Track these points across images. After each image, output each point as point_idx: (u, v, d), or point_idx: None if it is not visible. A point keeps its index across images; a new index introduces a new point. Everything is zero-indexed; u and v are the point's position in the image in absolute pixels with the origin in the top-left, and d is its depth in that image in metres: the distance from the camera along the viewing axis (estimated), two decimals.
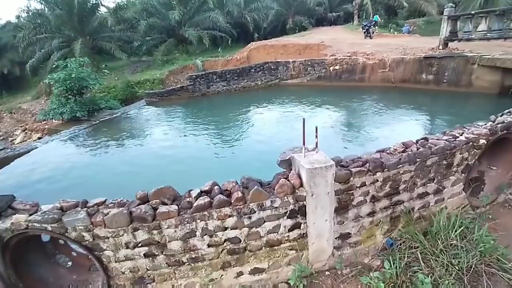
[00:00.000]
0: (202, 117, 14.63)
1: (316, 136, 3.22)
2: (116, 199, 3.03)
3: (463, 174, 3.80)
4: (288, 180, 3.13)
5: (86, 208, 2.86)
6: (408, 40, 19.79)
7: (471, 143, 3.64)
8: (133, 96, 20.69)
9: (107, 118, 15.83)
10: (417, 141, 3.75)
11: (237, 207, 2.92)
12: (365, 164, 3.33)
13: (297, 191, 3.07)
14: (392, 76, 15.79)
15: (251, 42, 25.97)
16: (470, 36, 14.19)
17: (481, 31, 13.81)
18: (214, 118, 14.32)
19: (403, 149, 3.54)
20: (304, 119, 3.13)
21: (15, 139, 19.81)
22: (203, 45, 26.30)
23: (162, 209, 2.84)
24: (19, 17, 29.92)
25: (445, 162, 3.59)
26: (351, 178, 3.18)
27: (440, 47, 15.28)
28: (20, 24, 25.86)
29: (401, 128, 11.13)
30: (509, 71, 12.73)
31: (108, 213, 2.82)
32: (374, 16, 24.49)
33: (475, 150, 3.72)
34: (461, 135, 3.79)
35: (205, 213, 2.88)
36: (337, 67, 16.92)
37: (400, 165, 3.34)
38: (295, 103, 15.64)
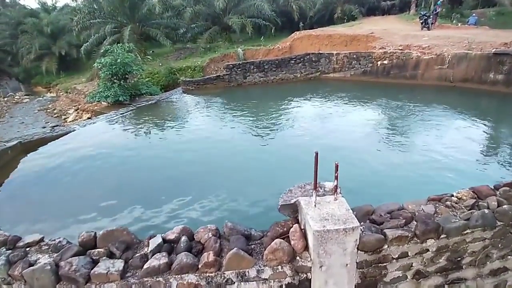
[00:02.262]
0: (234, 110, 13.75)
1: (336, 177, 2.09)
2: (55, 239, 2.21)
3: None
4: (287, 240, 2.07)
5: (10, 252, 2.08)
6: (474, 32, 16.80)
7: None
8: (175, 83, 20.43)
9: (143, 104, 15.68)
10: (496, 188, 2.42)
11: (207, 274, 1.93)
12: (409, 222, 2.14)
13: (298, 258, 2.00)
14: (451, 74, 13.43)
15: (295, 32, 24.29)
16: None
17: None
18: (246, 111, 13.36)
19: (473, 201, 2.26)
20: (317, 153, 2.02)
21: (68, 117, 20.74)
22: (246, 33, 25.22)
23: (100, 268, 1.95)
24: (76, 0, 31.28)
25: None
26: (385, 246, 2.02)
27: None
28: (77, 8, 26.82)
29: (459, 143, 9.13)
30: None
31: (35, 262, 2.01)
32: (438, 1, 21.26)
33: None
34: None
35: (160, 279, 1.94)
36: (385, 62, 14.87)
37: (469, 230, 2.09)
38: (334, 99, 14.05)
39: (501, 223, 2.08)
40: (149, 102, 16.36)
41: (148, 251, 2.04)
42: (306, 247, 2.02)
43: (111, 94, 15.86)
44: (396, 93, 13.92)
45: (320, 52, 17.37)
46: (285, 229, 2.19)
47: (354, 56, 15.78)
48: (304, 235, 2.04)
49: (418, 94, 13.80)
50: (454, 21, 21.92)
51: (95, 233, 2.17)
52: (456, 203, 2.26)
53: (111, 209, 6.51)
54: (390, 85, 14.86)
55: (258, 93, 16.27)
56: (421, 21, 19.96)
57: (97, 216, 6.32)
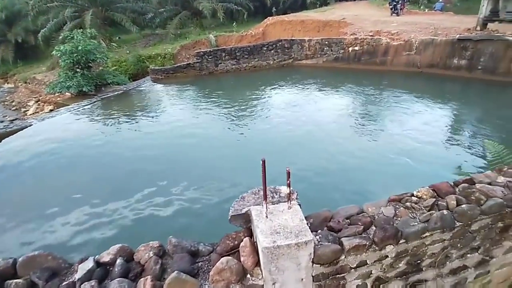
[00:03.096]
0: (206, 99, 13.29)
1: (289, 185, 1.89)
2: None
3: None
4: (237, 255, 1.86)
5: None
6: (440, 18, 17.15)
7: None
8: (144, 71, 19.45)
9: (110, 94, 14.82)
10: (456, 185, 2.33)
11: None
12: (368, 227, 1.99)
13: (249, 275, 1.80)
14: (419, 59, 13.65)
15: (268, 17, 23.74)
16: None
17: None
18: (219, 101, 12.95)
19: (433, 200, 2.15)
20: (263, 161, 1.79)
21: (28, 110, 19.29)
22: (218, 18, 24.34)
23: None
24: None
25: (501, 225, 2.19)
26: (342, 257, 1.86)
27: (478, 28, 12.89)
28: None
29: (422, 127, 9.36)
30: None
31: None
32: None
33: None
34: None
35: None
36: (356, 48, 14.85)
37: (428, 233, 1.98)
38: (307, 86, 13.94)
39: (460, 223, 1.98)
40: (116, 93, 15.52)
41: (76, 279, 1.76)
42: (258, 263, 1.82)
43: (73, 84, 14.86)
44: (367, 79, 14.03)
45: (293, 38, 17.07)
46: (236, 242, 1.98)
47: (326, 42, 15.64)
48: (256, 250, 1.84)
49: (387, 80, 13.97)
50: (421, 7, 22.28)
51: (15, 259, 1.85)
52: (416, 203, 2.14)
53: (68, 213, 6.09)
54: (361, 71, 14.93)
55: (230, 82, 15.82)
56: (390, 7, 20.09)
57: (49, 220, 5.90)
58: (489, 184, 2.28)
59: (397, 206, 2.17)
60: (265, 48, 16.52)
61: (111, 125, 11.28)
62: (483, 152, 8.01)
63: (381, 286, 2.09)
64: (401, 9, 19.61)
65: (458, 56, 12.81)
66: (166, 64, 18.93)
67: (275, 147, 8.80)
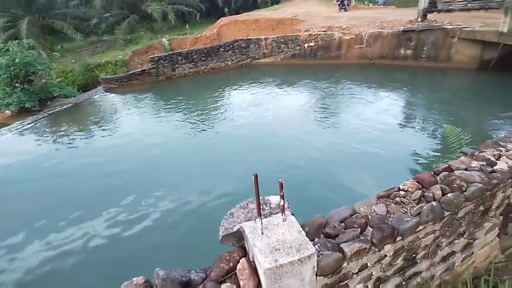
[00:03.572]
0: (166, 106, 12.74)
1: (282, 196, 1.77)
2: None
3: (501, 217, 2.52)
4: (236, 278, 1.71)
5: None
6: (384, 12, 18.22)
7: None
8: (95, 81, 18.16)
9: (58, 109, 13.63)
10: (436, 174, 2.38)
11: None
12: (364, 228, 1.94)
13: None
14: (370, 52, 14.35)
15: (221, 18, 23.49)
16: (450, 7, 12.83)
17: (461, 1, 12.45)
18: (179, 106, 12.48)
19: (420, 192, 2.17)
20: (256, 176, 1.66)
21: None
22: (169, 21, 23.56)
23: None
24: None
25: (482, 208, 2.28)
26: (345, 264, 1.79)
27: (419, 19, 13.87)
28: None
29: (379, 115, 9.91)
30: (489, 45, 11.61)
31: None
32: None
33: None
34: (498, 158, 2.47)
35: None
36: (311, 44, 15.23)
37: (421, 227, 1.98)
38: (268, 85, 14.01)
39: (448, 212, 2.01)
40: (66, 106, 14.33)
41: None
42: (259, 285, 1.68)
43: (13, 101, 13.44)
44: (324, 73, 14.47)
45: (249, 38, 17.03)
46: (231, 264, 1.82)
47: (282, 40, 15.83)
48: (255, 270, 1.70)
49: (343, 73, 14.53)
50: (366, 2, 23.52)
51: None
52: (404, 197, 2.14)
53: (22, 247, 5.44)
54: (318, 66, 15.35)
55: (190, 86, 15.37)
56: (338, 3, 20.93)
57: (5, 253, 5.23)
58: (466, 170, 2.37)
59: (387, 203, 2.15)
60: (222, 49, 16.29)
61: (62, 143, 10.34)
62: (433, 133, 8.67)
63: (380, 285, 2.06)
64: (348, 4, 20.50)
65: (404, 47, 13.69)
66: (119, 71, 17.86)
67: (242, 148, 8.70)
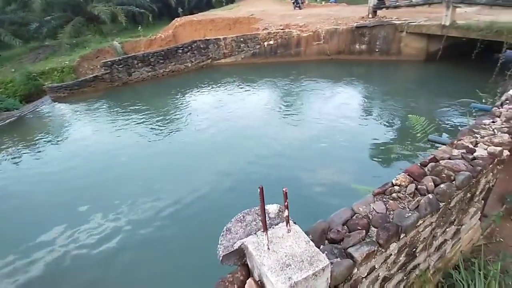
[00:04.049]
0: (124, 113, 11.98)
1: (286, 207, 1.64)
2: None
3: (483, 201, 2.64)
4: None
5: None
6: (337, 9, 18.91)
7: (496, 159, 2.43)
8: (39, 90, 16.53)
9: None
10: (423, 165, 2.42)
11: None
12: (368, 229, 1.89)
13: None
14: (327, 48, 14.80)
15: (176, 18, 22.73)
16: (397, 3, 13.66)
17: None
18: (138, 113, 11.81)
19: (413, 186, 2.17)
20: (261, 188, 1.51)
21: None
22: (120, 23, 22.24)
23: None
24: None
25: (469, 195, 2.36)
26: (355, 270, 1.71)
27: (370, 15, 14.58)
28: None
29: (340, 109, 10.30)
30: (433, 38, 12.56)
31: None
32: None
33: (497, 167, 2.55)
34: (476, 145, 2.57)
35: None
36: (271, 42, 15.30)
37: (421, 221, 1.98)
38: (230, 85, 13.83)
39: (443, 203, 2.03)
40: (8, 120, 12.89)
41: None
42: None
43: None
44: (285, 71, 14.63)
45: (207, 38, 16.66)
46: (236, 286, 1.64)
47: (242, 39, 15.70)
48: None
49: (303, 69, 14.83)
50: (318, 0, 24.25)
51: None
52: (399, 192, 2.13)
53: None
54: (279, 63, 15.49)
55: (148, 90, 14.63)
56: (292, 1, 21.30)
57: None
58: (449, 159, 2.44)
59: (385, 200, 2.12)
60: (180, 51, 15.73)
61: (8, 161, 9.25)
62: (391, 122, 9.19)
63: (385, 285, 2.02)
64: (302, 2, 20.96)
65: (359, 42, 14.32)
66: (66, 79, 16.43)
67: (208, 151, 8.47)
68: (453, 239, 2.49)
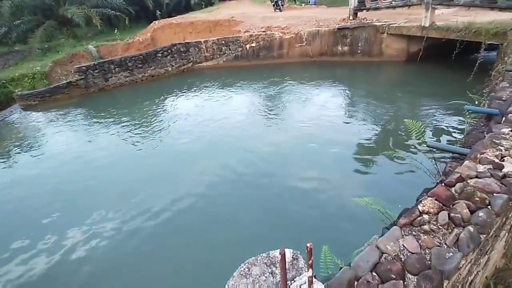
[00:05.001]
0: (101, 121, 11.20)
1: (311, 266, 1.22)
2: None
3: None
4: None
5: None
6: (317, 11, 18.80)
7: None
8: (8, 98, 15.34)
9: None
10: (449, 186, 2.07)
11: None
12: (403, 277, 1.50)
13: None
14: (310, 50, 14.58)
15: (154, 21, 21.93)
16: (377, 5, 13.62)
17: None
18: (117, 120, 11.08)
19: (445, 213, 1.81)
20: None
21: None
22: (95, 26, 21.18)
23: None
24: None
25: (504, 219, 2.03)
26: None
27: (351, 17, 14.49)
28: None
29: (325, 111, 10.07)
30: (413, 39, 12.57)
31: None
32: None
33: None
34: (502, 159, 2.26)
35: None
36: (253, 45, 14.91)
37: (463, 261, 1.61)
38: (212, 89, 13.31)
39: (483, 235, 1.67)
40: None
41: None
42: None
43: None
44: (268, 73, 14.27)
45: (187, 41, 16.04)
46: None
47: (223, 42, 15.22)
48: None
49: (287, 71, 14.55)
50: (297, 2, 24.14)
51: None
52: (429, 222, 1.77)
53: None
54: (262, 66, 15.12)
55: (127, 96, 13.86)
56: (272, 3, 21.05)
57: None
58: (477, 177, 2.11)
59: (414, 233, 1.75)
60: (160, 55, 15.03)
61: None
62: (378, 123, 9.00)
63: None
64: (282, 5, 20.73)
65: (341, 44, 14.18)
66: (38, 85, 15.33)
67: (190, 157, 7.97)
68: (483, 270, 2.17)
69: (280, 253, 1.09)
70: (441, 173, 4.52)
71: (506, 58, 7.22)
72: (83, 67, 13.63)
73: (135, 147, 8.87)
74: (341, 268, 2.91)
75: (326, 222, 5.14)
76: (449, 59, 11.01)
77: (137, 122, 10.67)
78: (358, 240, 3.65)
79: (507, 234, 2.36)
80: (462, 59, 11.49)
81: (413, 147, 6.68)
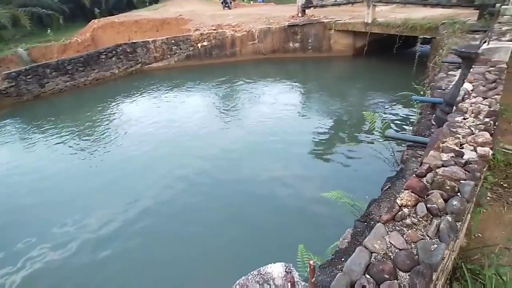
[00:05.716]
0: (37, 133, 10.02)
1: (314, 284, 1.13)
2: None
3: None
4: None
5: None
6: (266, 9, 18.97)
7: (487, 161, 2.29)
8: None
9: None
10: (420, 176, 2.14)
11: None
12: (396, 275, 1.50)
13: None
14: (262, 47, 14.66)
15: (93, 20, 20.25)
16: (323, 2, 14.15)
17: None
18: (57, 128, 10.02)
19: (423, 206, 1.86)
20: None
21: None
22: (23, 27, 18.95)
23: None
24: None
25: (472, 204, 2.16)
26: None
27: (299, 14, 14.86)
28: None
29: (280, 107, 10.23)
30: (359, 34, 13.33)
31: None
32: None
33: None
34: (461, 147, 2.42)
35: None
36: (205, 43, 14.55)
37: (447, 251, 1.66)
38: (164, 91, 12.73)
39: (459, 223, 1.75)
40: None
41: None
42: None
43: None
44: (222, 72, 14.06)
45: (133, 41, 15.09)
46: None
47: (173, 41, 14.60)
48: None
49: (240, 69, 14.49)
50: (246, 0, 24.12)
51: None
52: (409, 215, 1.80)
53: None
54: (215, 65, 14.85)
55: (69, 103, 12.62)
56: (221, 1, 20.75)
57: None
58: (443, 166, 2.22)
59: (398, 228, 1.77)
60: (103, 56, 13.92)
61: None
62: (330, 117, 9.37)
63: None
64: (230, 2, 20.55)
65: (292, 40, 14.50)
66: None
67: (144, 164, 7.54)
68: (454, 253, 2.30)
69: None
70: (399, 162, 4.81)
71: (440, 50, 7.92)
72: (13, 73, 12.05)
73: (80, 158, 8.13)
74: (320, 266, 2.91)
75: (296, 221, 5.16)
76: (392, 53, 11.88)
77: (82, 131, 9.77)
78: (332, 234, 3.73)
79: (469, 215, 2.54)
80: (403, 53, 12.46)
81: (370, 138, 7.05)
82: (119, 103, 12.06)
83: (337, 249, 3.07)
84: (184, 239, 5.05)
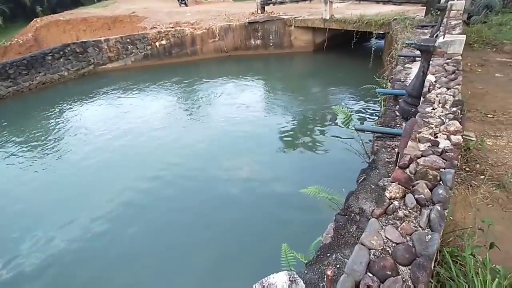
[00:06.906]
0: None
1: None
2: None
3: None
4: None
5: None
6: (224, 6, 18.70)
7: (461, 148, 2.40)
8: None
9: None
10: (403, 167, 2.19)
11: None
12: (397, 271, 1.49)
13: None
14: (224, 45, 14.44)
15: (36, 19, 18.51)
16: None
17: None
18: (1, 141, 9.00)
19: (412, 197, 1.89)
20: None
21: None
22: None
23: None
24: None
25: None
26: None
27: (259, 11, 14.86)
28: None
29: (245, 104, 10.18)
30: (318, 30, 13.67)
31: None
32: None
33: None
34: (435, 136, 2.52)
35: None
36: (163, 42, 13.96)
37: (440, 239, 1.70)
38: (120, 94, 11.99)
39: (446, 211, 1.80)
40: None
41: None
42: None
43: None
44: (183, 71, 13.63)
45: (83, 40, 14.00)
46: None
47: (128, 40, 13.79)
48: None
49: (202, 68, 14.15)
50: None
51: None
52: (399, 208, 1.82)
53: None
54: (176, 64, 14.33)
55: (12, 110, 11.36)
56: None
57: None
58: (423, 156, 2.29)
59: (391, 222, 1.78)
60: (49, 57, 12.73)
61: None
62: (293, 112, 9.50)
63: None
64: None
65: (253, 37, 14.46)
66: None
67: (103, 173, 7.07)
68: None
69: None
70: (369, 153, 4.98)
71: (395, 45, 8.37)
72: None
73: (29, 169, 7.35)
74: (306, 264, 2.88)
75: (276, 220, 5.12)
76: (350, 48, 12.33)
77: (28, 141, 8.86)
78: (313, 230, 3.73)
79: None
80: (360, 47, 13.02)
81: (338, 132, 7.25)
82: (71, 107, 11.14)
83: (321, 244, 3.06)
84: (149, 254, 4.78)
